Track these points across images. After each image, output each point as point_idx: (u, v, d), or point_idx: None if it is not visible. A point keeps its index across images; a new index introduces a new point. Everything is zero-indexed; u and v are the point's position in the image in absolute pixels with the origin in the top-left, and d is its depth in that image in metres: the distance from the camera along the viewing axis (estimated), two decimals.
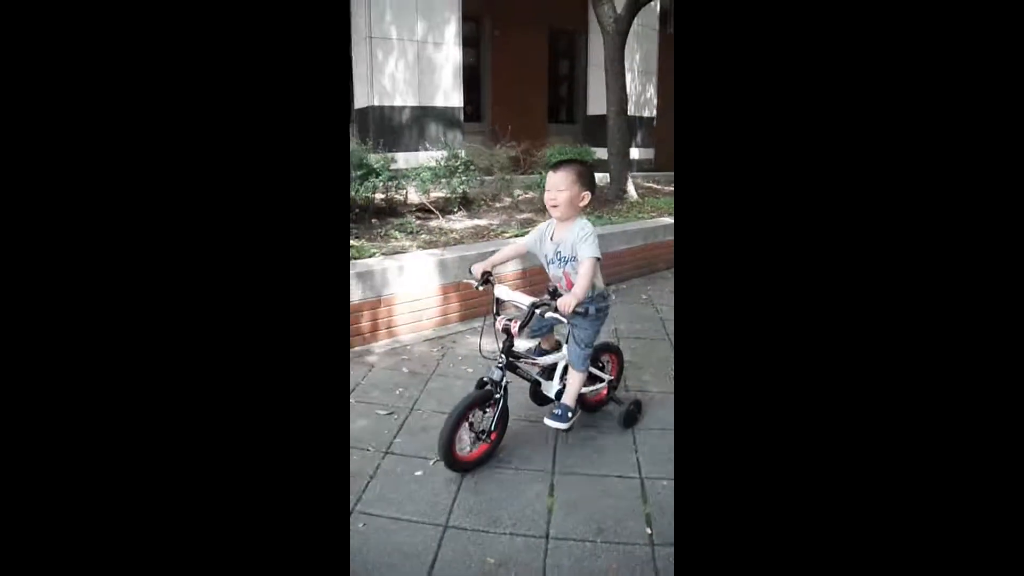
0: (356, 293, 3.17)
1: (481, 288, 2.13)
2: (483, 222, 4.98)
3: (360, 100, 6.75)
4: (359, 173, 4.54)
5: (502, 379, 2.05)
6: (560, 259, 2.10)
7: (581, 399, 2.30)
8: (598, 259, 2.00)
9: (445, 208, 5.20)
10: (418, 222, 4.79)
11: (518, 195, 5.91)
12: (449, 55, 6.93)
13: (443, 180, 5.12)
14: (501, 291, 2.10)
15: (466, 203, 5.48)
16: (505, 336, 2.03)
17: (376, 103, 6.50)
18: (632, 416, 2.40)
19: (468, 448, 2.07)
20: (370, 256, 3.62)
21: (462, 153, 5.39)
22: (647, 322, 3.78)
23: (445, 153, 5.32)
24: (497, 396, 2.05)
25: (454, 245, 4.13)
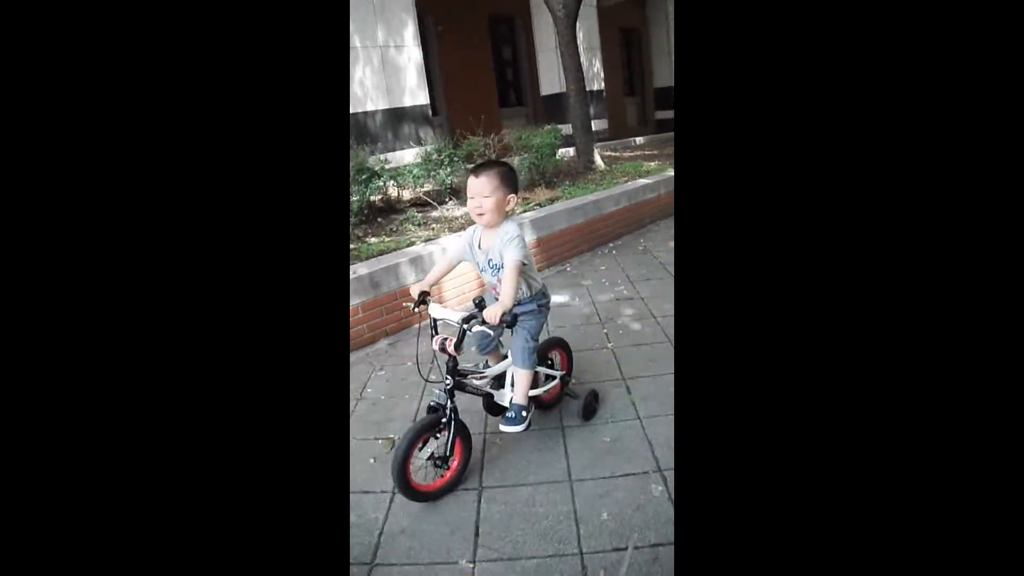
0: (411, 276, 3.62)
1: (416, 310, 2.07)
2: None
3: None
4: (363, 177, 4.91)
5: (447, 402, 1.96)
6: (492, 266, 2.07)
7: (536, 399, 2.27)
8: (524, 263, 1.95)
9: (437, 199, 5.60)
10: (420, 215, 5.19)
11: None
12: (410, 56, 7.29)
13: (431, 174, 5.52)
14: (434, 310, 2.02)
15: (454, 193, 5.89)
16: (446, 356, 1.97)
17: (351, 110, 6.83)
18: (591, 407, 2.38)
19: (430, 477, 2.00)
20: (409, 245, 4.05)
21: (446, 147, 5.79)
22: (649, 267, 4.38)
23: (426, 149, 5.71)
24: (444, 420, 1.96)
25: (466, 228, 4.56)
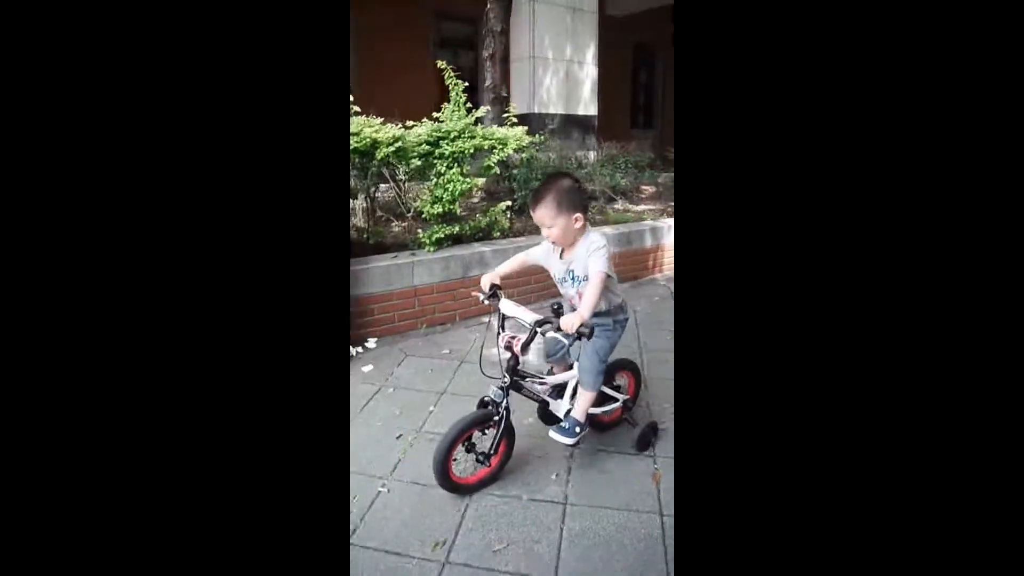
0: (648, 240, 4.48)
1: (487, 302, 1.99)
2: (653, 207, 6.18)
3: (521, 107, 8.08)
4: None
5: (503, 400, 1.93)
6: (573, 278, 1.98)
7: (592, 418, 2.20)
8: (609, 275, 1.87)
9: (611, 196, 6.41)
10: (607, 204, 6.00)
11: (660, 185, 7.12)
12: (588, 72, 8.27)
13: (607, 174, 6.30)
14: (506, 306, 1.95)
15: (618, 192, 6.66)
16: (509, 354, 1.93)
17: (536, 111, 7.82)
18: (646, 439, 2.24)
19: (469, 470, 2.02)
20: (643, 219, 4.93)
21: (624, 152, 6.65)
22: None
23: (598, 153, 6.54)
24: (496, 417, 1.95)
25: (667, 217, 5.37)
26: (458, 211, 3.73)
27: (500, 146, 3.80)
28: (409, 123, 3.67)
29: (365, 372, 2.98)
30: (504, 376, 1.96)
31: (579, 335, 1.75)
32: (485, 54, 5.06)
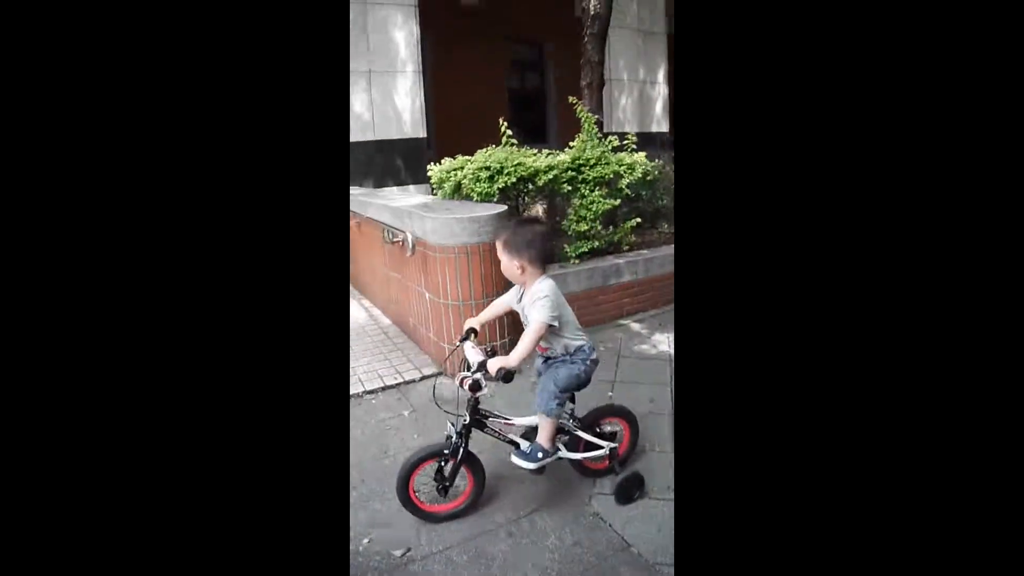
0: None
1: (458, 344, 2.04)
2: None
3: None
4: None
5: (461, 439, 2.00)
6: (528, 322, 2.01)
7: (580, 465, 2.22)
8: (551, 323, 1.91)
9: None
10: None
11: None
12: (660, 91, 8.75)
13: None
14: (467, 347, 2.01)
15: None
16: (470, 392, 1.94)
17: (613, 130, 8.33)
18: (626, 493, 2.11)
19: (432, 499, 2.08)
20: None
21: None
22: None
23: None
24: (446, 452, 2.01)
25: None
26: (598, 228, 4.23)
27: (629, 171, 4.29)
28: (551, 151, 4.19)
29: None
30: (462, 414, 2.03)
31: (503, 379, 1.86)
32: (583, 83, 5.57)
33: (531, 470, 2.03)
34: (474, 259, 3.15)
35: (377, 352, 3.80)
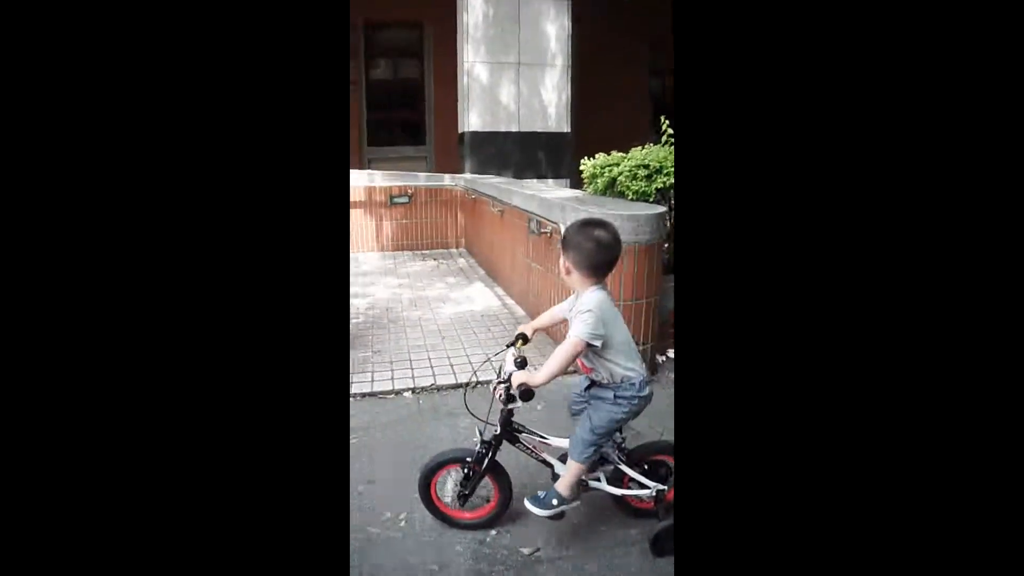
0: None
1: (506, 348, 1.89)
2: None
3: None
4: None
5: (488, 450, 1.87)
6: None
7: (622, 501, 2.01)
8: (590, 343, 1.67)
9: None
10: None
11: None
12: None
13: None
14: (509, 353, 1.85)
15: None
16: (503, 404, 1.81)
17: None
18: (663, 543, 1.85)
19: (457, 504, 1.97)
20: None
21: None
22: None
23: None
24: (469, 460, 1.89)
25: None
26: None
27: None
28: None
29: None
30: (493, 424, 1.87)
31: (520, 396, 1.71)
32: None
33: (543, 515, 1.85)
34: (628, 258, 3.03)
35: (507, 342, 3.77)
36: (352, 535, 1.94)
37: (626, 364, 1.77)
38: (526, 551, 1.91)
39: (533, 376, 1.70)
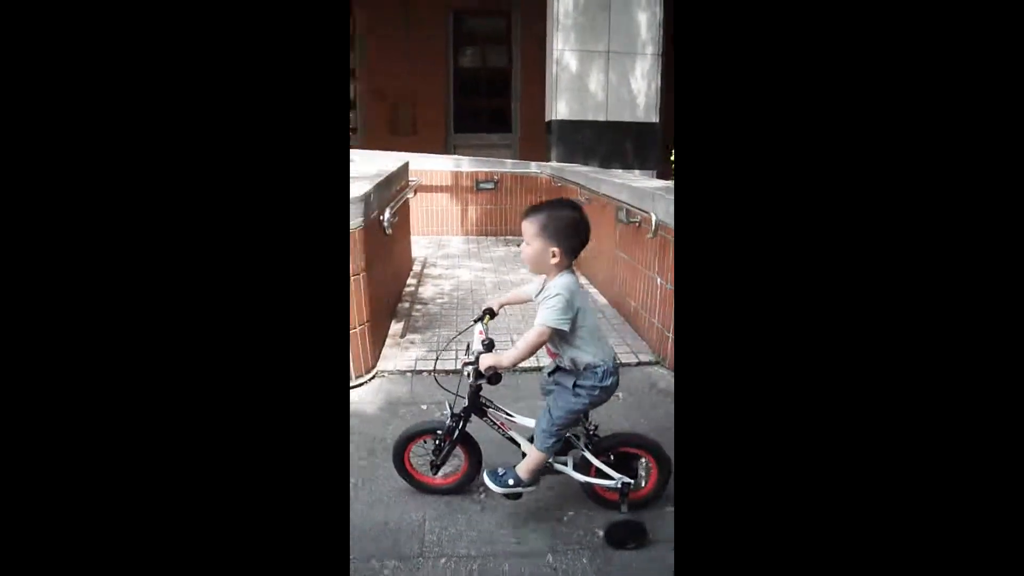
0: None
1: (474, 323, 1.94)
2: None
3: None
4: None
5: (458, 423, 1.93)
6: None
7: (590, 489, 1.98)
8: (557, 328, 1.65)
9: None
10: None
11: None
12: None
13: None
14: (476, 329, 1.90)
15: None
16: (471, 379, 1.82)
17: None
18: (618, 536, 1.83)
19: (430, 472, 2.06)
20: None
21: None
22: None
23: None
24: (439, 431, 1.97)
25: None
26: None
27: None
28: None
29: None
30: (462, 398, 1.93)
31: (488, 380, 1.76)
32: None
33: (497, 491, 1.88)
34: None
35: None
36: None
37: (589, 351, 1.74)
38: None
39: (500, 359, 1.72)
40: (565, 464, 1.93)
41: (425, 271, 5.24)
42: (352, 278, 2.87)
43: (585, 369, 1.74)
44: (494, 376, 1.77)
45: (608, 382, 1.76)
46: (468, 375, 1.83)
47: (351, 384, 2.97)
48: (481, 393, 1.92)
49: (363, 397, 2.89)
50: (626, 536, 1.84)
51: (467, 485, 2.11)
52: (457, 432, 1.96)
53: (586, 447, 1.90)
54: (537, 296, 1.78)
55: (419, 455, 2.09)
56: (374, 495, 2.10)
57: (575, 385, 1.75)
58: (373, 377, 3.11)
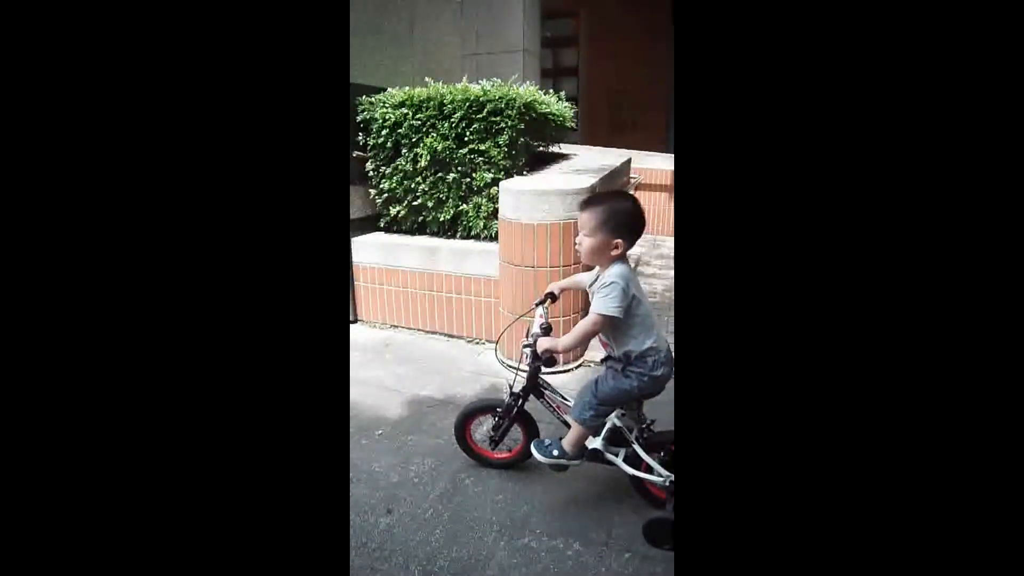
0: None
1: (535, 306, 1.98)
2: None
3: None
4: None
5: (517, 401, 2.04)
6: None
7: (640, 484, 1.96)
8: (612, 316, 1.66)
9: None
10: None
11: None
12: None
13: None
14: (537, 312, 1.97)
15: None
16: (530, 360, 1.91)
17: None
18: (656, 533, 1.76)
19: (488, 446, 2.19)
20: None
21: None
22: None
23: None
24: (499, 409, 2.08)
25: None
26: None
27: None
28: None
29: None
30: (519, 375, 2.02)
31: (544, 363, 1.81)
32: None
33: (542, 461, 1.95)
34: None
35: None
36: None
37: (642, 340, 1.74)
38: None
39: (556, 343, 1.78)
40: (616, 455, 1.94)
41: (638, 269, 5.23)
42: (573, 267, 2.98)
43: (636, 360, 1.76)
44: (550, 360, 1.83)
45: (659, 372, 1.76)
46: (527, 356, 1.92)
47: (559, 369, 3.10)
48: (540, 375, 2.02)
49: (567, 383, 2.99)
50: (663, 534, 1.78)
51: (523, 461, 2.22)
52: (515, 410, 2.06)
53: (638, 441, 1.90)
54: (592, 285, 1.82)
55: (480, 431, 2.25)
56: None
57: (626, 368, 1.78)
58: (579, 366, 3.22)
